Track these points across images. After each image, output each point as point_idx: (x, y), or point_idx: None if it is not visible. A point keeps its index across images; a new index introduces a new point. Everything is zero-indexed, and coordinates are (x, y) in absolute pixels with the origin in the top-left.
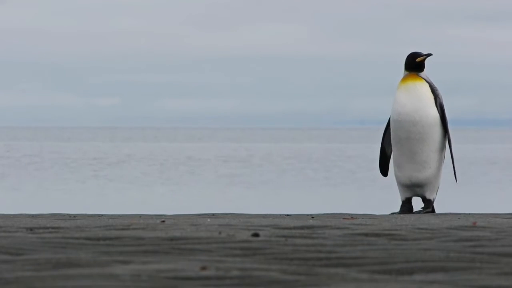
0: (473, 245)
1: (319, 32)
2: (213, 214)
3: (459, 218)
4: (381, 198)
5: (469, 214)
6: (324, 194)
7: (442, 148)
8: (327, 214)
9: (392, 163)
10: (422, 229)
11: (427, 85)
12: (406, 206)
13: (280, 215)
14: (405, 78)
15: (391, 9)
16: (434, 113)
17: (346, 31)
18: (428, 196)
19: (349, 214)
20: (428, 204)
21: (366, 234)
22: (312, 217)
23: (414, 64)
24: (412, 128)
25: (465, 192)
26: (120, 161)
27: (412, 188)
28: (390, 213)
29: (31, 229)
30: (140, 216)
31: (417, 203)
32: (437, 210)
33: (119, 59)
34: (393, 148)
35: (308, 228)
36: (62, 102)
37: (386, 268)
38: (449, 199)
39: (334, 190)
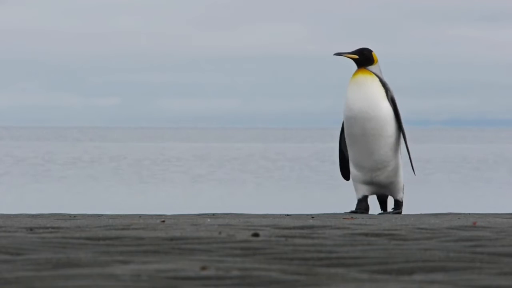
0: (473, 245)
1: (319, 32)
2: (213, 214)
3: (459, 218)
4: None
5: (469, 214)
6: (324, 194)
7: (398, 143)
8: (327, 214)
9: (350, 162)
10: (422, 229)
11: (377, 79)
12: (363, 205)
13: (280, 215)
14: (355, 73)
15: (391, 9)
16: (387, 107)
17: (346, 31)
18: (395, 196)
19: (349, 214)
20: (398, 205)
21: (366, 234)
22: (312, 217)
23: (365, 59)
24: (367, 124)
25: (465, 192)
26: (120, 161)
27: (374, 186)
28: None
29: (31, 229)
30: (140, 216)
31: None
32: (437, 210)
33: (119, 59)
34: (348, 147)
35: (308, 228)
36: (62, 102)
37: (386, 268)
38: (449, 199)
39: (334, 190)
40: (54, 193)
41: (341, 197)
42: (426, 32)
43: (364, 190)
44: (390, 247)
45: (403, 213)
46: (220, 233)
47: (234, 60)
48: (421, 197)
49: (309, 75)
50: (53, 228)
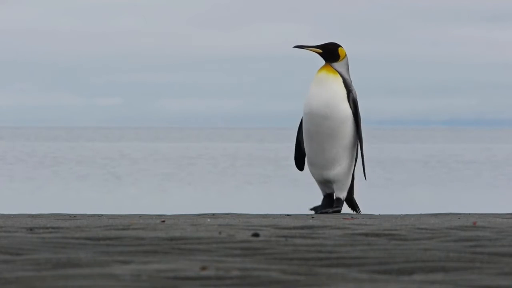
0: (473, 245)
1: (319, 32)
2: (213, 214)
3: (459, 218)
4: (381, 198)
5: (469, 214)
6: None
7: (354, 146)
8: (327, 214)
9: (306, 158)
10: (422, 229)
11: (341, 79)
12: (327, 201)
13: (280, 215)
14: (320, 69)
15: (392, 9)
16: (346, 108)
17: (347, 31)
18: (338, 194)
19: (349, 214)
20: (338, 203)
21: (366, 234)
22: (312, 217)
23: (330, 54)
24: (323, 122)
25: (465, 192)
26: (120, 161)
27: (326, 184)
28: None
29: (31, 229)
30: (140, 216)
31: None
32: (437, 210)
33: (120, 59)
34: (304, 142)
35: (308, 228)
36: (63, 102)
37: (386, 268)
38: (449, 199)
39: None
40: (54, 193)
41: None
42: (426, 32)
43: (324, 188)
44: (390, 247)
45: (403, 213)
46: (220, 233)
47: (235, 60)
48: (421, 197)
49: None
50: (53, 228)
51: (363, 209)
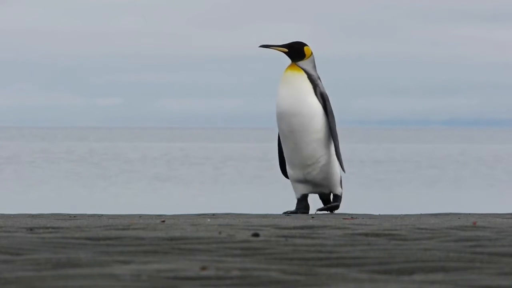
0: (473, 245)
1: (320, 32)
2: (213, 214)
3: (459, 218)
4: (381, 197)
5: (469, 214)
6: None
7: (329, 140)
8: (327, 214)
9: (285, 160)
10: (422, 229)
11: (305, 75)
12: (303, 204)
13: (280, 215)
14: (285, 70)
15: (391, 9)
16: (314, 102)
17: (347, 31)
18: (334, 191)
19: (349, 214)
20: (336, 199)
21: (366, 234)
22: (312, 217)
23: (296, 53)
24: (293, 120)
25: (465, 192)
26: (120, 161)
27: (309, 185)
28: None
29: (31, 229)
30: (140, 216)
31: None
32: (438, 210)
33: (120, 59)
34: (282, 145)
35: (308, 228)
36: (63, 102)
37: (386, 268)
38: (449, 199)
39: None
40: (54, 193)
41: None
42: (426, 32)
43: (301, 189)
44: (390, 247)
45: (403, 213)
46: (220, 233)
47: (236, 60)
48: (421, 197)
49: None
50: (53, 228)
51: (363, 210)
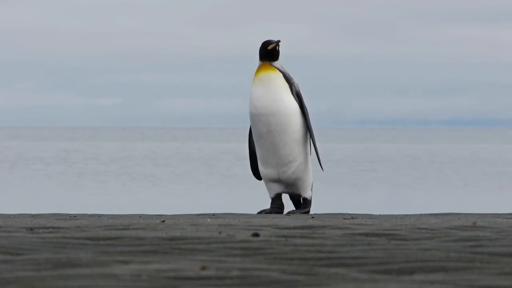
0: (473, 245)
1: (320, 32)
2: (213, 214)
3: (459, 218)
4: (381, 197)
5: (469, 214)
6: (324, 194)
7: (306, 139)
8: (327, 214)
9: (258, 160)
10: (422, 229)
11: (281, 74)
12: (277, 203)
13: (280, 215)
14: (258, 69)
15: (392, 9)
16: (292, 102)
17: (347, 31)
18: (303, 194)
19: (349, 214)
20: (306, 204)
21: (366, 234)
22: (312, 217)
23: (267, 53)
24: (271, 120)
25: (465, 192)
26: (120, 161)
27: (282, 184)
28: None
29: (31, 229)
30: (140, 216)
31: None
32: (438, 210)
33: (120, 59)
34: (255, 145)
35: (308, 228)
36: (63, 102)
37: (386, 268)
38: (449, 199)
39: (335, 190)
40: (54, 193)
41: (341, 197)
42: (426, 32)
43: (275, 188)
44: (390, 247)
45: (402, 213)
46: (220, 233)
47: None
48: (421, 197)
49: (309, 75)
50: (53, 228)
51: (363, 210)
